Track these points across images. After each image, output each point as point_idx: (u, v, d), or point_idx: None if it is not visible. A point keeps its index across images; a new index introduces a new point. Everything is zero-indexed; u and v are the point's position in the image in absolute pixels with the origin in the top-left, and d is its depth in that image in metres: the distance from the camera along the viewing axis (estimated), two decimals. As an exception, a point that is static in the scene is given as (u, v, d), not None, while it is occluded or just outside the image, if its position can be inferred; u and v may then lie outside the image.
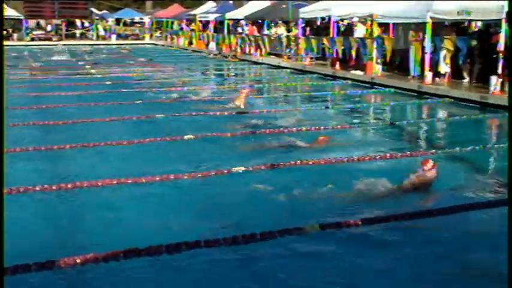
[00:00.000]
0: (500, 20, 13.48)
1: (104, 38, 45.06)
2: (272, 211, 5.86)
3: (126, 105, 12.67)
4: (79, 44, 40.55)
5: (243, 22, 30.62)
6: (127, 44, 41.81)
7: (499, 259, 4.42)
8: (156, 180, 6.66)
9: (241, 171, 7.04)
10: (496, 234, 5.23)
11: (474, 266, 4.69)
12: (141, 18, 52.50)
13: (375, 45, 17.76)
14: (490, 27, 16.57)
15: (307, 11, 23.18)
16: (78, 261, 4.31)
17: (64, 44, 38.99)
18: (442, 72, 15.84)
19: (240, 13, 31.27)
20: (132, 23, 52.42)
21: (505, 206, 5.85)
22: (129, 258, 4.41)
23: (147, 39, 45.95)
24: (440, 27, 16.56)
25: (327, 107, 12.92)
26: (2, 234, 2.42)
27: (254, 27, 29.77)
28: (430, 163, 6.44)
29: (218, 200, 6.24)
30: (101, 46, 39.39)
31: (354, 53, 19.02)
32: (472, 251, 4.98)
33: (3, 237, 2.42)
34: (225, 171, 7.01)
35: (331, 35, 20.96)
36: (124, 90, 15.18)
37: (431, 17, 15.49)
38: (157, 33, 47.86)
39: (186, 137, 9.09)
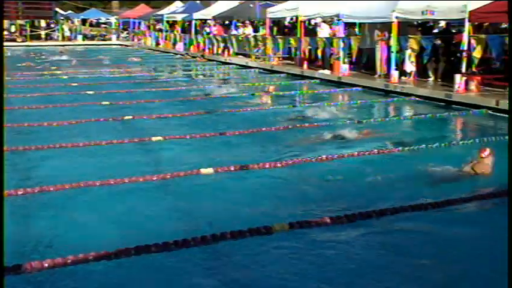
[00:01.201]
0: (462, 19, 13.76)
1: (69, 39, 44.41)
2: (239, 212, 5.86)
3: (91, 107, 12.53)
4: (48, 45, 39.87)
5: (210, 22, 30.53)
6: (92, 44, 41.32)
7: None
8: (125, 182, 6.61)
9: (210, 172, 7.04)
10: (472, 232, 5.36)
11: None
12: (108, 19, 51.90)
13: (341, 45, 17.94)
14: (453, 27, 16.95)
15: (275, 11, 23.25)
16: (45, 265, 4.25)
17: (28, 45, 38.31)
18: (408, 71, 16.08)
19: (207, 13, 31.16)
20: (98, 24, 51.77)
21: (468, 202, 6.03)
22: (98, 261, 4.37)
23: (114, 40, 45.45)
24: (406, 27, 16.81)
25: (294, 106, 12.99)
26: (2, 234, 2.38)
27: (221, 27, 29.74)
28: (487, 151, 7.03)
29: (186, 201, 6.23)
30: (68, 47, 38.82)
31: (320, 53, 19.18)
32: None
33: (3, 238, 2.39)
34: (194, 173, 6.99)
35: (298, 35, 21.07)
36: (90, 92, 14.98)
37: (396, 17, 15.72)
38: (124, 34, 47.39)
39: (154, 138, 9.04)
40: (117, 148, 8.54)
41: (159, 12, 39.03)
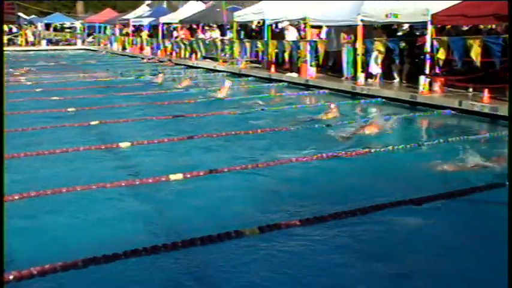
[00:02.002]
0: (425, 22, 14.03)
1: (33, 44, 43.64)
2: (209, 217, 5.87)
3: (56, 113, 12.36)
4: (10, 51, 39.08)
5: (177, 26, 30.41)
6: (57, 49, 40.68)
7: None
8: (92, 189, 6.54)
9: (179, 178, 7.02)
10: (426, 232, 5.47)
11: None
12: (72, 23, 51.17)
13: (308, 48, 18.09)
14: (417, 30, 17.26)
15: (242, 15, 23.30)
16: (10, 277, 4.18)
17: None
18: (374, 73, 16.31)
19: (174, 17, 31.03)
20: (63, 28, 51.00)
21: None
22: (66, 271, 4.31)
23: (79, 45, 44.87)
24: (371, 30, 17.04)
25: (262, 109, 13.03)
26: (2, 234, 2.35)
27: (188, 31, 29.66)
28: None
29: (155, 207, 6.20)
30: (31, 52, 38.17)
31: (287, 56, 19.29)
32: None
33: (3, 238, 2.35)
34: (163, 179, 6.96)
35: (265, 38, 21.17)
36: (55, 98, 14.77)
37: (361, 20, 15.94)
38: (90, 39, 46.81)
39: (122, 144, 8.96)
40: (84, 155, 8.44)
41: (125, 17, 38.73)
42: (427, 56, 14.05)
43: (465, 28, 16.38)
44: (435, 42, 13.83)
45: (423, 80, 13.72)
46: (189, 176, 7.09)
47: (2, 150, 2.51)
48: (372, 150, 8.59)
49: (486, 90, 12.00)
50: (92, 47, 42.85)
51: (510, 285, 2.93)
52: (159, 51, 30.94)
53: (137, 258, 4.56)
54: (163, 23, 31.95)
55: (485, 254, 4.95)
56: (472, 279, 4.50)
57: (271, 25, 21.72)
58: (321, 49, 17.86)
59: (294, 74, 18.66)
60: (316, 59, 18.38)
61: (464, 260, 4.86)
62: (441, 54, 13.63)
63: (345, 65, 17.11)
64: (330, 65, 18.97)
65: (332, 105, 12.35)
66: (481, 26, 16.10)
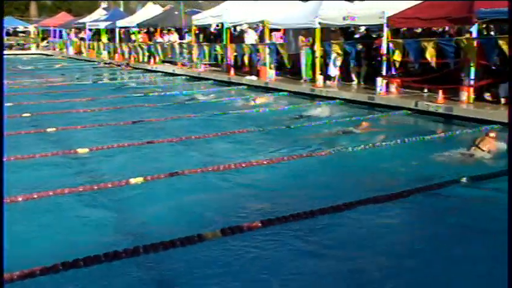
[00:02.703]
0: (381, 24, 14.28)
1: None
2: (171, 221, 5.83)
3: (11, 119, 12.06)
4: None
5: (135, 30, 30.10)
6: (10, 54, 39.71)
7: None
8: (50, 195, 6.41)
9: (139, 181, 6.95)
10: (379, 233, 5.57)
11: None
12: (26, 27, 49.98)
13: (267, 51, 18.18)
14: (373, 32, 17.56)
15: (200, 18, 23.25)
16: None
17: None
18: (332, 75, 16.52)
19: (131, 21, 30.71)
20: (16, 33, 49.75)
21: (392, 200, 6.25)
22: (22, 280, 4.21)
23: (34, 49, 43.89)
24: (329, 33, 17.26)
25: (225, 113, 13.02)
26: (2, 235, 2.28)
27: (146, 34, 29.40)
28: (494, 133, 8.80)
29: (115, 212, 6.12)
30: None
31: (247, 59, 19.35)
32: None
33: (3, 239, 2.28)
34: (123, 183, 6.88)
35: (224, 42, 21.17)
36: (9, 104, 14.41)
37: (319, 23, 16.13)
38: (45, 43, 45.85)
39: (80, 150, 8.81)
40: (41, 162, 8.25)
41: (81, 20, 38.08)
42: (384, 58, 14.31)
43: (419, 30, 16.76)
44: (391, 45, 14.10)
45: (380, 82, 13.97)
46: (149, 179, 7.02)
47: (1, 150, 2.47)
48: (332, 151, 8.70)
49: (440, 91, 12.30)
50: (47, 52, 41.98)
51: (510, 285, 2.98)
52: (116, 56, 30.56)
53: (98, 264, 4.49)
54: (121, 27, 31.55)
55: (445, 250, 5.08)
56: (426, 275, 4.61)
57: (229, 28, 21.74)
58: (284, 52, 17.95)
59: (254, 77, 18.73)
60: (277, 61, 18.49)
61: (421, 256, 4.97)
62: (397, 56, 13.91)
63: (303, 68, 17.26)
64: (289, 67, 19.09)
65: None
66: (434, 28, 16.50)
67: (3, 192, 2.46)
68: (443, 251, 5.07)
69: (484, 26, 13.06)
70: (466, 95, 12.24)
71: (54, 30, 44.36)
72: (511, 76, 10.02)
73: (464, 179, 6.90)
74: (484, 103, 12.07)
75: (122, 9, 42.38)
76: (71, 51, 38.17)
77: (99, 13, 37.78)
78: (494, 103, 11.88)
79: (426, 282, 4.52)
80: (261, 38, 20.04)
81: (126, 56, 29.69)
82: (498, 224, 5.69)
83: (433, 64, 12.94)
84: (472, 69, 12.21)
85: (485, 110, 11.46)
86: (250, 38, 20.86)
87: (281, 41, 19.30)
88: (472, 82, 12.30)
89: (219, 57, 21.35)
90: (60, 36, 43.12)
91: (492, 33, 13.59)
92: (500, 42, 11.39)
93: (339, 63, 16.32)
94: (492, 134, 8.82)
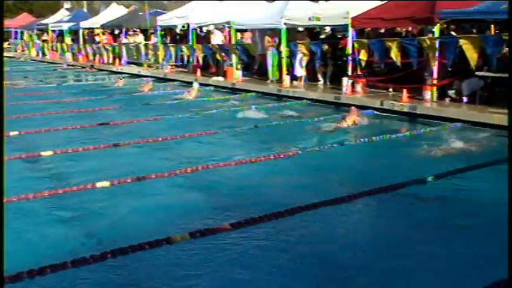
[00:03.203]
0: (346, 25, 14.43)
1: None
2: (138, 224, 5.78)
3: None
4: None
5: (99, 31, 29.72)
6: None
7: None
8: (13, 201, 6.28)
9: (106, 185, 6.87)
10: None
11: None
12: (-16, 29, 48.77)
13: (235, 52, 18.18)
14: (338, 32, 17.73)
15: (166, 19, 23.10)
16: None
17: None
18: (299, 75, 16.61)
19: (95, 22, 30.31)
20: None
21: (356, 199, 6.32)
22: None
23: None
24: (294, 33, 17.36)
25: (193, 115, 12.97)
26: (2, 235, 2.21)
27: (110, 35, 29.07)
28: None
29: (81, 216, 6.04)
30: None
31: (213, 60, 19.32)
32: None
33: (3, 239, 2.21)
34: (89, 187, 6.79)
35: (190, 43, 21.09)
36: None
37: (285, 23, 16.20)
38: (6, 45, 44.85)
39: (43, 153, 8.66)
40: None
41: (44, 21, 37.39)
42: (349, 58, 14.46)
43: (382, 30, 16.98)
44: (356, 45, 14.25)
45: (346, 82, 14.11)
46: (116, 183, 6.95)
47: (1, 150, 2.42)
48: (299, 151, 8.76)
49: (405, 90, 12.50)
50: (8, 54, 41.09)
51: (510, 283, 3.03)
52: (80, 57, 30.13)
53: (65, 270, 4.43)
54: (84, 28, 31.10)
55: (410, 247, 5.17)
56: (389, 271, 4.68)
57: (196, 29, 21.66)
58: (253, 52, 17.97)
59: (220, 78, 18.70)
60: (243, 62, 18.51)
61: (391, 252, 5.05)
62: (362, 56, 14.06)
63: (270, 68, 17.31)
64: (256, 68, 19.14)
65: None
66: (398, 29, 16.74)
67: (3, 192, 2.42)
68: (408, 246, 5.15)
69: (445, 26, 13.30)
70: (430, 93, 12.47)
71: (16, 32, 43.45)
72: (511, 77, 10.19)
73: (429, 178, 7.03)
74: (447, 102, 12.30)
75: (85, 9, 41.79)
76: (34, 52, 37.45)
77: (62, 14, 37.17)
78: (458, 102, 12.12)
79: (391, 278, 4.59)
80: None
81: (91, 57, 29.29)
82: (459, 220, 5.85)
83: (398, 63, 13.13)
84: (435, 69, 12.45)
85: (448, 108, 11.69)
86: (217, 38, 20.83)
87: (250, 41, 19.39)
88: (435, 81, 12.53)
89: (186, 58, 21.24)
90: (22, 38, 42.28)
91: (453, 33, 13.85)
92: (462, 41, 11.62)
93: (304, 63, 16.42)
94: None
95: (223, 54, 18.86)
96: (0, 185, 2.26)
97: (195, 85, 16.67)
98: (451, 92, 12.48)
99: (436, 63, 12.37)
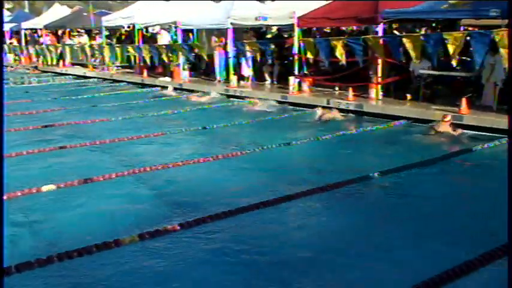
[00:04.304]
0: (292, 24, 14.58)
1: None
2: (86, 227, 5.69)
3: None
4: None
5: (42, 31, 28.93)
6: None
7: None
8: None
9: (52, 189, 6.73)
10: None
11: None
12: None
13: (182, 52, 18.08)
14: (285, 32, 17.90)
15: (111, 19, 22.74)
16: None
17: None
18: (246, 75, 16.68)
19: (38, 22, 29.49)
20: None
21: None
22: None
23: None
24: (241, 33, 17.42)
25: (143, 115, 12.84)
26: (2, 234, 2.12)
27: (54, 36, 28.37)
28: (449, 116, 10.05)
29: (27, 220, 5.90)
30: None
31: (164, 59, 19.14)
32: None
33: (3, 238, 2.12)
34: (34, 191, 6.63)
35: (136, 43, 20.84)
36: None
37: (231, 23, 16.23)
38: None
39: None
40: None
41: (-17, 22, 36.13)
42: (295, 57, 14.62)
43: (328, 30, 17.27)
44: (302, 44, 14.43)
45: (293, 81, 14.26)
46: (62, 186, 6.81)
47: (1, 151, 2.34)
48: (248, 151, 8.80)
49: (350, 89, 12.75)
50: None
51: (510, 285, 3.10)
52: (22, 59, 29.28)
53: (9, 276, 4.32)
54: (26, 28, 30.22)
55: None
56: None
57: (141, 29, 21.42)
58: (202, 51, 17.88)
59: (167, 79, 18.57)
60: (189, 62, 18.44)
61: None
62: (310, 54, 14.23)
63: (217, 68, 17.31)
64: (202, 68, 19.10)
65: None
66: (343, 28, 17.05)
67: (3, 192, 2.36)
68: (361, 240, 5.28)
69: (387, 25, 13.64)
70: (375, 91, 12.77)
71: None
72: (511, 78, 10.49)
73: (376, 174, 7.20)
74: (392, 99, 12.62)
75: (27, 10, 40.64)
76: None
77: (3, 14, 35.98)
78: (402, 99, 12.44)
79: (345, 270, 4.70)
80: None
81: (34, 59, 28.52)
82: (413, 211, 6.04)
83: (343, 62, 13.35)
84: (379, 67, 12.76)
85: (393, 106, 11.98)
86: (164, 39, 20.67)
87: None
88: (379, 79, 12.84)
89: (132, 59, 20.98)
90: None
91: (396, 32, 14.23)
92: (404, 40, 11.94)
93: (251, 63, 16.50)
94: (446, 119, 10.05)
95: (170, 54, 18.71)
96: (0, 185, 2.22)
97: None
98: (409, 97, 12.58)
99: (380, 61, 12.67)
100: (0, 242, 2.31)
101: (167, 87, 17.52)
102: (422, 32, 15.62)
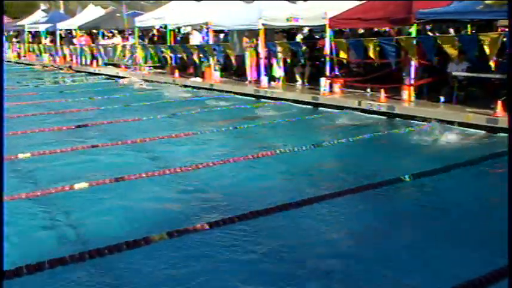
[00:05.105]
0: (324, 25, 14.50)
1: None
2: (118, 225, 5.75)
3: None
4: None
5: (77, 32, 29.41)
6: None
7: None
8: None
9: (84, 187, 6.81)
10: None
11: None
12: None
13: (214, 52, 18.16)
14: (316, 33, 17.82)
15: (143, 20, 22.99)
16: None
17: None
18: (277, 76, 16.65)
19: (72, 23, 30.01)
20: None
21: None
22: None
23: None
24: (272, 34, 17.39)
25: (171, 116, 12.94)
26: (2, 234, 2.19)
27: (89, 37, 28.81)
28: None
29: (62, 217, 6.00)
30: None
31: (196, 60, 19.26)
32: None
33: (3, 238, 2.19)
34: (67, 188, 6.72)
35: (168, 44, 21.01)
36: None
37: (262, 24, 16.23)
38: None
39: (21, 155, 8.56)
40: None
41: (20, 23, 36.90)
42: (327, 58, 14.54)
43: (361, 31, 17.12)
44: (334, 45, 14.33)
45: (324, 82, 14.18)
46: (94, 184, 6.90)
47: (1, 151, 2.41)
48: (278, 151, 8.78)
49: (382, 90, 12.61)
50: (-17, 55, 40.48)
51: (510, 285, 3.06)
52: (57, 59, 29.81)
53: (42, 271, 4.39)
54: (61, 29, 30.77)
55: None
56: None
57: (173, 30, 21.60)
58: (231, 52, 17.95)
59: (198, 79, 18.67)
60: (221, 63, 18.51)
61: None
62: (343, 55, 14.12)
63: (248, 69, 17.33)
64: (234, 69, 19.15)
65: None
66: (376, 29, 16.89)
67: (3, 192, 2.40)
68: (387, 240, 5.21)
69: (420, 26, 13.46)
70: (407, 93, 12.59)
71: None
72: (510, 77, 10.33)
73: (407, 176, 7.10)
74: (425, 101, 12.43)
75: (62, 11, 41.38)
76: (10, 54, 36.95)
77: (39, 15, 36.73)
78: (435, 101, 12.25)
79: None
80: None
81: (68, 58, 29.01)
82: (447, 214, 5.93)
83: (377, 62, 13.21)
84: (412, 68, 12.58)
85: (426, 108, 11.80)
86: (196, 39, 20.79)
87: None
88: (412, 81, 12.66)
89: (164, 60, 21.18)
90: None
91: (430, 33, 14.03)
92: (439, 41, 11.76)
93: (283, 64, 16.47)
94: None
95: (201, 55, 18.82)
96: (0, 185, 2.26)
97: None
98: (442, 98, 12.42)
99: (414, 63, 12.50)
100: (0, 242, 2.33)
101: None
102: (452, 32, 15.36)
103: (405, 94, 12.63)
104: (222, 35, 21.39)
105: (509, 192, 3.81)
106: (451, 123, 10.77)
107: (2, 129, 2.44)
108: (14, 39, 37.79)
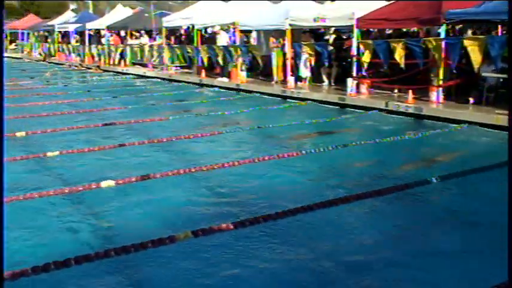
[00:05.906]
0: (351, 26, 14.40)
1: None
2: (144, 223, 5.80)
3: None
4: None
5: (105, 32, 29.76)
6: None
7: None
8: (20, 199, 6.31)
9: (111, 185, 6.88)
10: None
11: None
12: (-8, 30, 48.86)
13: (239, 53, 18.19)
14: (343, 33, 17.71)
15: (171, 20, 23.15)
16: None
17: None
18: (303, 76, 16.60)
19: (101, 23, 30.36)
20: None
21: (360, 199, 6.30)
22: None
23: (2, 52, 42.96)
24: (299, 34, 17.35)
25: (197, 115, 12.99)
26: (2, 235, 2.23)
27: (117, 37, 29.12)
28: None
29: (89, 215, 6.06)
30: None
31: (219, 61, 19.32)
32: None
33: (3, 239, 2.24)
34: (94, 186, 6.80)
35: (195, 44, 21.12)
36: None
37: (290, 24, 16.20)
38: (13, 46, 45.01)
39: (49, 153, 8.69)
40: (10, 166, 8.09)
41: (50, 23, 37.47)
42: (354, 59, 14.44)
43: (389, 31, 16.96)
44: (361, 46, 14.23)
45: (350, 83, 14.09)
46: (121, 182, 6.96)
47: (2, 150, 2.44)
48: (304, 152, 8.75)
49: (410, 91, 12.47)
50: (15, 55, 41.21)
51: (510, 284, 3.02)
52: (86, 58, 30.19)
53: (69, 268, 4.44)
54: (91, 29, 31.15)
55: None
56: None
57: (200, 30, 21.70)
58: (257, 53, 17.96)
59: (225, 79, 18.72)
60: (249, 63, 18.53)
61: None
62: (367, 57, 14.03)
63: (274, 69, 17.31)
64: (260, 69, 19.14)
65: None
66: (404, 29, 16.71)
67: (3, 192, 2.43)
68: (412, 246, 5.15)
69: (450, 26, 13.28)
70: (435, 94, 12.43)
71: (22, 33, 43.59)
72: (510, 77, 10.17)
73: (434, 178, 7.00)
74: (453, 103, 12.26)
75: (91, 11, 41.91)
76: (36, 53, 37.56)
77: (68, 15, 37.24)
78: (463, 103, 12.07)
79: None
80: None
81: (96, 58, 29.37)
82: (473, 218, 5.84)
83: (402, 65, 13.06)
84: (441, 70, 12.40)
85: (454, 110, 11.64)
86: (223, 39, 20.85)
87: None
88: (441, 82, 12.49)
89: (191, 59, 21.30)
90: (28, 39, 42.38)
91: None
92: (466, 42, 11.59)
93: (309, 64, 16.41)
94: None
95: (227, 55, 18.86)
96: (0, 185, 2.27)
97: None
98: (471, 99, 12.26)
99: (442, 64, 12.32)
100: (0, 242, 2.35)
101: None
102: (469, 33, 15.06)
103: (433, 95, 12.47)
104: (252, 34, 21.24)
105: (509, 192, 3.75)
106: (480, 125, 10.60)
107: (2, 130, 2.45)
108: (49, 39, 38.29)
